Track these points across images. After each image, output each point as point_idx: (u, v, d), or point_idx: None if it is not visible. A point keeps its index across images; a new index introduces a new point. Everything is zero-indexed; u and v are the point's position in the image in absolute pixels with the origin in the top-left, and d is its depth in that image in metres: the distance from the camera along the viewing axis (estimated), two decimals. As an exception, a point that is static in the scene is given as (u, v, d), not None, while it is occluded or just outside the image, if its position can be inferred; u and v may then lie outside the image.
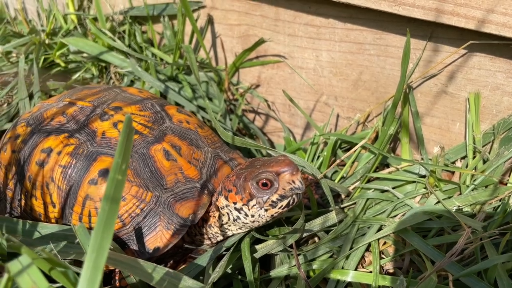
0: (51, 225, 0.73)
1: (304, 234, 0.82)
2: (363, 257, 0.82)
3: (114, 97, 0.89)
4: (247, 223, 0.75)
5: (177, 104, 1.16)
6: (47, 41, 1.42)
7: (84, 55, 1.34)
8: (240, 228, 0.78)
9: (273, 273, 0.77)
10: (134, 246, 0.75)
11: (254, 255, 0.78)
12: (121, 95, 0.90)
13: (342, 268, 0.77)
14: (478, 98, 0.86)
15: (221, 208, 0.77)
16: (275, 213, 0.73)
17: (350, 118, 1.08)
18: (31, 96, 1.23)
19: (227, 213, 0.76)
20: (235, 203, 0.74)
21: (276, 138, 1.25)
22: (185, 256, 0.84)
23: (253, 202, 0.72)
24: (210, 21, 1.22)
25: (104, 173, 0.76)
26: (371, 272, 0.76)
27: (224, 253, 0.78)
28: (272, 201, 0.71)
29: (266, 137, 1.25)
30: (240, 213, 0.74)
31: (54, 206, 0.78)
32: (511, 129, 0.84)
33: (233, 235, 0.80)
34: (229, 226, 0.78)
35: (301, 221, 0.78)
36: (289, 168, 0.70)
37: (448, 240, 0.77)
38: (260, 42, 1.10)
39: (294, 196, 0.72)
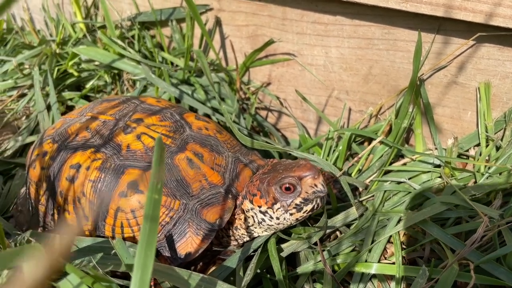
0: (87, 238, 0.77)
1: (327, 231, 0.85)
2: (384, 248, 0.85)
3: (134, 109, 0.92)
4: (272, 225, 0.79)
5: (191, 108, 1.19)
6: (57, 51, 1.44)
7: (96, 63, 1.36)
8: (265, 230, 0.81)
9: (300, 269, 0.81)
10: (166, 253, 0.79)
11: (280, 254, 0.81)
12: (141, 106, 0.93)
13: (366, 261, 0.81)
14: (488, 87, 0.88)
15: (246, 211, 0.80)
16: (300, 217, 0.76)
17: (363, 111, 1.10)
18: (48, 108, 1.27)
19: (252, 216, 0.80)
20: (260, 207, 0.77)
21: (290, 134, 1.27)
22: (214, 257, 0.87)
23: (278, 205, 0.75)
24: (218, 22, 1.24)
25: (133, 185, 0.79)
26: (393, 263, 0.80)
27: (251, 253, 0.81)
28: (296, 204, 0.75)
29: (279, 133, 1.28)
30: (265, 215, 0.78)
31: (87, 219, 0.81)
32: (522, 115, 0.86)
33: (258, 236, 0.83)
34: (255, 228, 0.82)
35: (324, 219, 0.82)
36: (310, 173, 0.73)
37: (466, 228, 0.80)
38: (270, 42, 1.12)
39: (318, 200, 0.75)
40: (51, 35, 1.63)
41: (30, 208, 0.90)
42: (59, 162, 0.85)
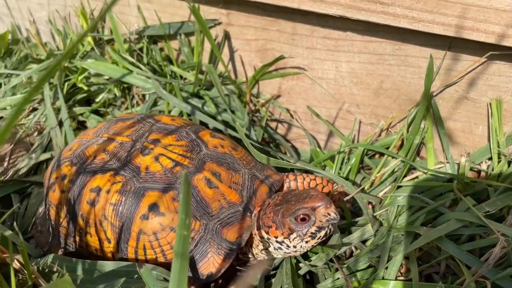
0: (110, 262, 0.78)
1: (344, 248, 0.87)
2: (400, 264, 0.86)
3: (149, 129, 0.93)
4: (289, 253, 0.81)
5: (202, 123, 1.20)
6: (66, 64, 1.45)
7: (106, 77, 1.37)
8: (282, 255, 0.84)
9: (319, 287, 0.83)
10: (189, 273, 0.80)
11: (298, 272, 0.83)
12: (156, 126, 0.94)
13: (383, 278, 0.82)
14: (500, 103, 0.90)
15: (261, 238, 0.83)
16: (315, 243, 0.80)
17: (373, 124, 1.11)
18: (60, 124, 1.27)
19: (269, 243, 0.82)
20: (276, 237, 0.80)
21: (300, 145, 1.29)
22: (233, 274, 0.89)
23: (294, 235, 0.79)
24: (227, 36, 1.25)
25: (153, 207, 0.80)
26: (410, 280, 0.81)
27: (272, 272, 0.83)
28: (311, 233, 0.78)
29: (289, 143, 1.29)
30: (282, 245, 0.80)
31: (109, 242, 0.83)
32: (533, 131, 0.88)
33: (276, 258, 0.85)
34: (271, 251, 0.84)
35: (337, 235, 0.84)
36: (323, 203, 0.76)
37: (481, 245, 0.82)
38: (280, 58, 1.13)
39: (330, 226, 0.78)
40: (58, 48, 1.63)
41: (51, 229, 0.92)
42: (79, 185, 0.86)
